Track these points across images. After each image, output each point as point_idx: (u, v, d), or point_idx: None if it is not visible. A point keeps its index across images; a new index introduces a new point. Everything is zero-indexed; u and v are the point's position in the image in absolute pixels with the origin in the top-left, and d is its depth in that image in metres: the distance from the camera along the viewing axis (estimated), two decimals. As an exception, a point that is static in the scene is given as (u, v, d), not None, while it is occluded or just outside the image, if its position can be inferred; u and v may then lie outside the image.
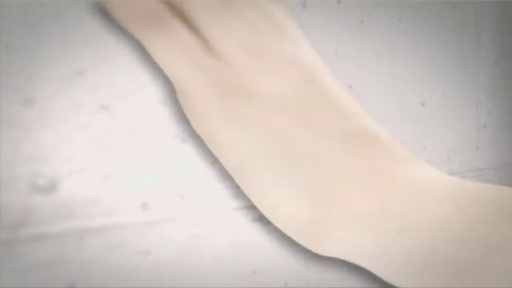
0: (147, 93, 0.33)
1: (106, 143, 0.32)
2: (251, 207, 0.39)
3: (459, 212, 0.19)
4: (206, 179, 0.36)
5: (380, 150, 0.22)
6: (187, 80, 0.22)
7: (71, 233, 0.31)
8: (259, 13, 0.24)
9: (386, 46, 0.49)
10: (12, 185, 0.29)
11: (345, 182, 0.21)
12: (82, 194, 0.32)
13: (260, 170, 0.22)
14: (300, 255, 0.42)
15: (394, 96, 0.50)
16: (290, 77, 0.23)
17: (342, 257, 0.22)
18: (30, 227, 0.29)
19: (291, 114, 0.22)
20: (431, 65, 0.54)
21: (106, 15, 0.26)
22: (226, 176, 0.38)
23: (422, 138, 0.53)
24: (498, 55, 0.61)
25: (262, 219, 0.40)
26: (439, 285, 0.19)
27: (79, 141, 0.31)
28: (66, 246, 0.31)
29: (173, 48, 0.21)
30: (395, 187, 0.21)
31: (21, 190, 0.29)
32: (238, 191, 0.38)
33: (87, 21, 0.27)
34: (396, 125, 0.50)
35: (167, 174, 0.35)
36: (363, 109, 0.25)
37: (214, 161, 0.37)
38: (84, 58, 0.29)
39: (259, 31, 0.23)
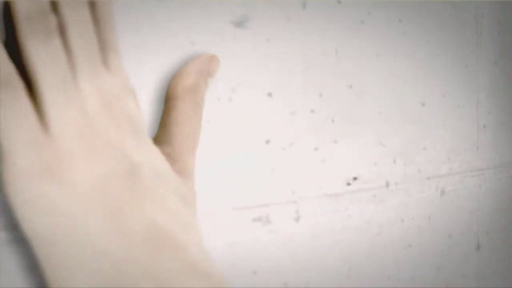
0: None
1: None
2: (251, 207, 0.39)
3: None
4: (206, 179, 0.36)
5: (177, 259, 0.23)
6: (16, 155, 0.21)
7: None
8: (103, 99, 0.24)
9: (386, 46, 0.49)
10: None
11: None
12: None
13: (62, 258, 0.22)
14: (300, 255, 0.42)
15: (394, 96, 0.50)
16: (115, 168, 0.23)
17: None
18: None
19: (100, 206, 0.22)
20: (431, 65, 0.54)
21: None
22: (226, 176, 0.38)
23: (422, 138, 0.53)
24: (498, 55, 0.61)
25: (262, 219, 0.40)
26: None
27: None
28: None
29: (13, 120, 0.21)
30: None
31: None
32: (238, 191, 0.38)
33: None
34: (396, 125, 0.50)
35: (167, 174, 0.35)
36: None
37: (214, 162, 0.37)
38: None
39: (98, 117, 0.23)
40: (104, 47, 0.25)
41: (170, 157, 0.28)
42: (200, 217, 0.36)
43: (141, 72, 0.32)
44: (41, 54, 0.22)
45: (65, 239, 0.22)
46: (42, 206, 0.22)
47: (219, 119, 0.37)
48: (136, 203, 0.24)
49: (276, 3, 0.40)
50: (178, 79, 0.29)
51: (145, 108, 0.33)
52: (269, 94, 0.41)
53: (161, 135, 0.29)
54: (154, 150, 0.26)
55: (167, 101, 0.30)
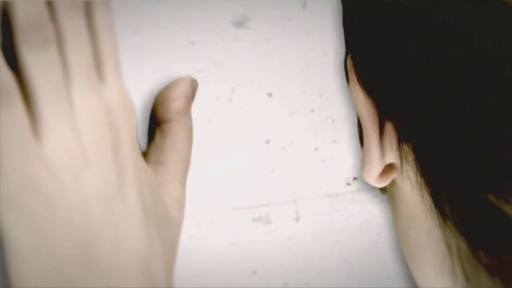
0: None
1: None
2: (251, 207, 0.39)
3: None
4: (206, 179, 0.36)
5: None
6: (5, 159, 0.21)
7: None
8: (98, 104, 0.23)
9: (386, 46, 0.49)
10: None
11: None
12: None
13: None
14: (300, 255, 0.43)
15: (394, 96, 0.50)
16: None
17: None
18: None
19: (77, 232, 0.22)
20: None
21: None
22: (226, 176, 0.38)
23: (422, 138, 0.53)
24: None
25: (262, 219, 0.40)
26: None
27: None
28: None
29: (6, 126, 0.21)
30: None
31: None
32: (238, 191, 0.38)
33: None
34: (396, 125, 0.50)
35: (167, 174, 0.35)
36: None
37: (214, 162, 0.37)
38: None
39: (87, 135, 0.23)
40: (101, 59, 0.24)
41: (164, 178, 0.28)
42: (200, 217, 0.36)
43: (141, 72, 0.32)
44: (37, 64, 0.22)
45: (38, 251, 0.22)
46: (20, 215, 0.22)
47: (219, 119, 0.37)
48: (114, 231, 0.23)
49: (276, 3, 0.40)
50: (169, 102, 0.29)
51: (145, 108, 0.33)
52: (269, 94, 0.41)
53: (155, 155, 0.29)
54: (143, 172, 0.26)
55: (160, 124, 0.29)
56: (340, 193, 0.45)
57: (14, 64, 0.22)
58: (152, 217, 0.25)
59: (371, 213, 0.47)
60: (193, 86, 0.30)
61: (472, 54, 0.21)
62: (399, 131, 0.25)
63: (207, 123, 0.36)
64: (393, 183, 0.28)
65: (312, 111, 0.43)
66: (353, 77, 0.27)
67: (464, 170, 0.22)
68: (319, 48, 0.44)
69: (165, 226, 0.26)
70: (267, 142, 0.41)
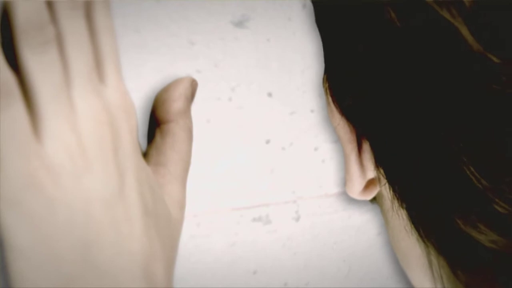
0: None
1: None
2: (251, 207, 0.39)
3: None
4: (206, 179, 0.36)
5: None
6: (5, 158, 0.21)
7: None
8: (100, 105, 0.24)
9: (386, 46, 0.49)
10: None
11: None
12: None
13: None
14: (300, 255, 0.43)
15: (394, 96, 0.50)
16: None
17: None
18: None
19: (76, 234, 0.22)
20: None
21: None
22: (226, 176, 0.38)
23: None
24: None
25: (262, 219, 0.40)
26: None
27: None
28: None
29: (6, 126, 0.21)
30: None
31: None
32: (238, 191, 0.38)
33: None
34: (396, 125, 0.50)
35: (167, 174, 0.35)
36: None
37: (214, 162, 0.37)
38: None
39: (87, 136, 0.23)
40: (101, 60, 0.24)
41: (165, 179, 0.28)
42: (200, 217, 0.36)
43: (142, 72, 0.32)
44: (37, 64, 0.22)
45: (38, 251, 0.22)
46: (21, 215, 0.22)
47: (219, 119, 0.37)
48: (115, 231, 0.23)
49: (276, 3, 0.40)
50: (169, 103, 0.29)
51: (145, 109, 0.33)
52: (269, 94, 0.41)
53: (155, 156, 0.29)
54: (144, 173, 0.26)
55: (160, 124, 0.29)
56: (340, 193, 0.45)
57: (14, 64, 0.22)
58: (152, 217, 0.25)
59: (371, 213, 0.48)
60: (193, 87, 0.30)
61: (443, 77, 0.22)
62: (372, 152, 0.26)
63: (207, 123, 0.36)
64: (380, 194, 0.29)
65: (312, 111, 0.43)
66: (328, 98, 0.28)
67: (432, 196, 0.23)
68: (319, 48, 0.44)
69: (165, 227, 0.26)
70: (267, 142, 0.41)
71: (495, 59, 0.20)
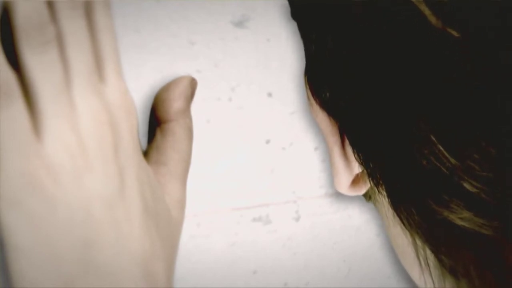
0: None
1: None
2: (251, 207, 0.39)
3: None
4: (206, 179, 0.36)
5: None
6: (5, 158, 0.22)
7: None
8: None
9: (386, 46, 0.49)
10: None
11: None
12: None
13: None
14: (300, 255, 0.43)
15: (394, 96, 0.50)
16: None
17: None
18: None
19: (76, 233, 0.23)
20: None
21: None
22: (226, 176, 0.38)
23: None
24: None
25: (262, 219, 0.40)
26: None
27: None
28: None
29: (7, 125, 0.21)
30: None
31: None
32: (238, 191, 0.38)
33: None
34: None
35: (167, 174, 0.35)
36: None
37: (214, 162, 0.37)
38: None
39: (88, 136, 0.23)
40: (102, 59, 0.24)
41: (165, 178, 0.28)
42: (200, 217, 0.36)
43: (141, 72, 0.32)
44: (38, 64, 0.22)
45: (38, 251, 0.22)
46: (21, 214, 0.22)
47: (219, 119, 0.37)
48: (115, 231, 0.23)
49: (276, 3, 0.40)
50: (169, 102, 0.29)
51: (146, 108, 0.33)
52: (269, 94, 0.41)
53: (156, 155, 0.29)
54: (144, 172, 0.26)
55: (160, 124, 0.29)
56: (340, 193, 0.45)
57: (15, 64, 0.22)
58: (152, 217, 0.25)
59: (371, 213, 0.48)
60: (193, 86, 0.30)
61: (407, 56, 0.22)
62: (350, 143, 0.26)
63: (207, 123, 0.36)
64: (374, 191, 0.29)
65: (312, 111, 0.43)
66: (308, 92, 0.28)
67: (405, 178, 0.23)
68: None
69: (165, 226, 0.26)
70: (267, 142, 0.41)
71: (455, 33, 0.20)
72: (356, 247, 0.47)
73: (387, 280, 0.49)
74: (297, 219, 0.42)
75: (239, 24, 0.38)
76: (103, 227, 0.23)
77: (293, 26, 0.42)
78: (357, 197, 0.46)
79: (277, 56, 0.41)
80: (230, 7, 0.38)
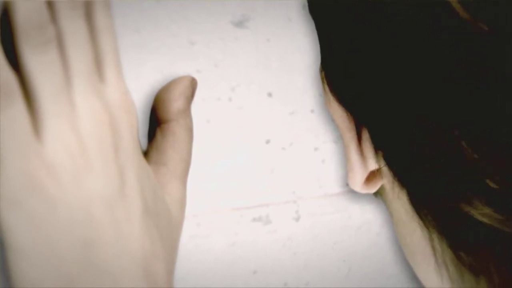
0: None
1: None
2: (251, 207, 0.39)
3: None
4: (206, 179, 0.36)
5: None
6: (6, 158, 0.21)
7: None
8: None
9: (386, 46, 0.49)
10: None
11: None
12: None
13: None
14: (300, 255, 0.43)
15: (394, 96, 0.50)
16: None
17: None
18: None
19: (76, 234, 0.22)
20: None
21: None
22: (226, 176, 0.38)
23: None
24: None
25: (262, 219, 0.40)
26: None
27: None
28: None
29: (7, 125, 0.21)
30: None
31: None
32: (238, 191, 0.38)
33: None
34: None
35: (167, 174, 0.35)
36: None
37: (214, 162, 0.37)
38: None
39: (88, 136, 0.23)
40: (102, 59, 0.24)
41: (165, 178, 0.28)
42: (200, 217, 0.36)
43: (141, 72, 0.32)
44: (38, 64, 0.22)
45: (39, 251, 0.22)
46: (21, 214, 0.22)
47: (219, 119, 0.37)
48: (115, 231, 0.23)
49: (276, 3, 0.40)
50: (169, 102, 0.29)
51: (145, 108, 0.33)
52: (269, 94, 0.41)
53: (156, 155, 0.29)
54: (144, 172, 0.26)
55: (160, 123, 0.29)
56: (340, 193, 0.45)
57: (15, 64, 0.22)
58: (153, 217, 0.25)
59: (371, 213, 0.48)
60: (193, 86, 0.30)
61: (437, 64, 0.22)
62: (371, 138, 0.26)
63: (207, 123, 0.36)
64: (383, 188, 0.29)
65: (312, 111, 0.43)
66: (325, 87, 0.28)
67: (429, 174, 0.23)
68: (319, 48, 0.44)
69: (166, 226, 0.26)
70: (267, 142, 0.41)
71: (484, 27, 0.20)
72: (356, 247, 0.47)
73: (388, 280, 0.49)
74: (297, 219, 0.42)
75: (239, 24, 0.38)
76: (103, 227, 0.23)
77: (293, 26, 0.42)
78: (357, 197, 0.47)
79: (277, 56, 0.41)
80: (230, 7, 0.38)
